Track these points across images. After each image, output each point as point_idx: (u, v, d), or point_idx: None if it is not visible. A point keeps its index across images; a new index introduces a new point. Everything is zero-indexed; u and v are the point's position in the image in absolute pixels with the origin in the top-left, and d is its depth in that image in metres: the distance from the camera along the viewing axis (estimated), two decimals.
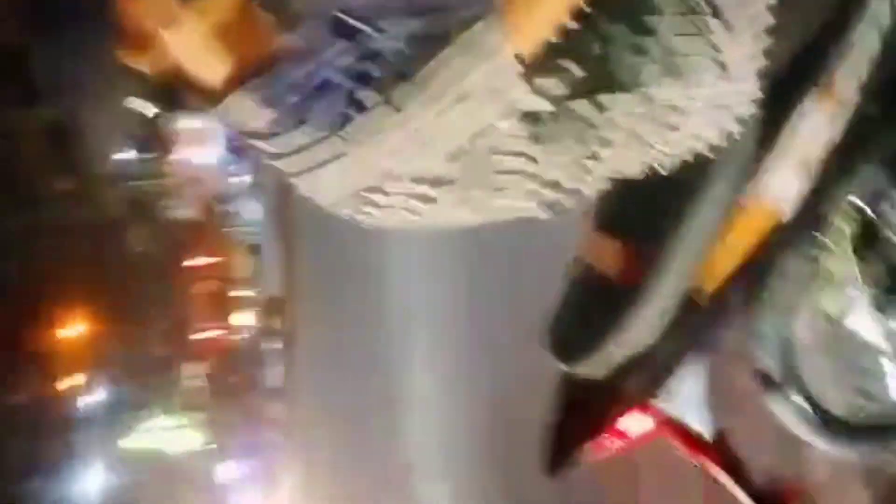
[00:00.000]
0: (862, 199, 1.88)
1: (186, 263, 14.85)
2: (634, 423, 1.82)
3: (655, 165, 1.42)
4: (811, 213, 1.71)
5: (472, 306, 5.21)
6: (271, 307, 12.50)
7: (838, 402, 2.03)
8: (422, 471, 5.97)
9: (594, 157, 1.35)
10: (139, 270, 14.59)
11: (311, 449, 10.25)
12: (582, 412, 1.81)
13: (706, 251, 1.64)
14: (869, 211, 1.87)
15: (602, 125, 1.32)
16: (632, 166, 1.42)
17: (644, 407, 1.80)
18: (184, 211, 15.49)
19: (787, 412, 1.98)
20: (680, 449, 1.95)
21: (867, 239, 1.91)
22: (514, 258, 4.39)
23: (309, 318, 10.05)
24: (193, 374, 13.95)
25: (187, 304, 14.69)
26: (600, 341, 1.67)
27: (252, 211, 14.03)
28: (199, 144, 15.45)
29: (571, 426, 1.82)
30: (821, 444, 2.02)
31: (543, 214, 1.41)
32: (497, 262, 4.62)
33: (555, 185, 1.37)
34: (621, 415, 1.78)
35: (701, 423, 1.87)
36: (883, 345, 1.92)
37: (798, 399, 1.97)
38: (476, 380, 5.03)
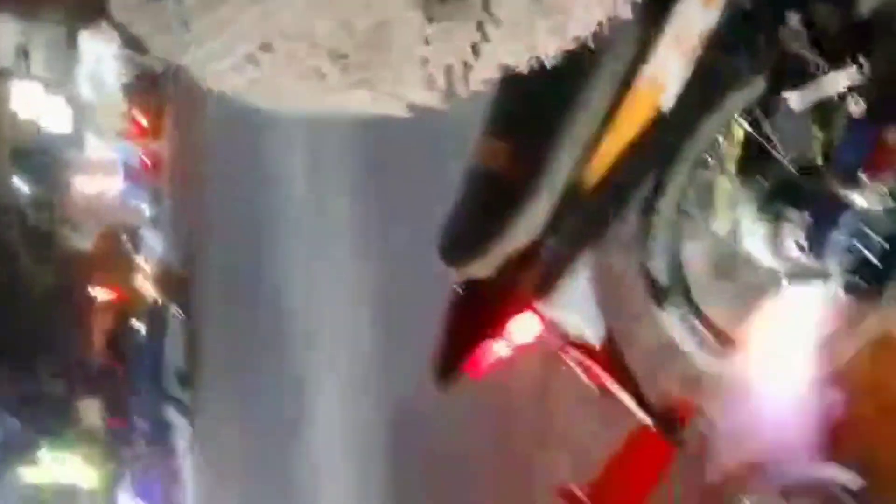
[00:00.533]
0: (748, 117, 2.02)
1: (86, 294, 14.43)
2: (523, 327, 1.91)
3: (541, 55, 1.51)
4: (692, 108, 1.84)
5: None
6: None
7: (730, 322, 2.15)
8: (326, 472, 5.94)
9: (484, 37, 1.44)
10: (36, 302, 14.16)
11: (215, 472, 10.04)
12: (471, 318, 1.89)
13: (591, 143, 1.75)
14: (754, 132, 2.01)
15: (491, 2, 1.40)
16: (518, 55, 1.50)
17: (533, 309, 1.89)
18: (82, 241, 15.11)
19: (676, 325, 2.09)
20: (567, 355, 2.04)
21: (755, 160, 2.05)
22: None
23: (212, 345, 9.93)
24: (91, 408, 13.52)
25: (86, 336, 14.27)
26: (487, 240, 1.76)
27: (153, 241, 13.79)
28: (99, 174, 15.15)
29: (460, 333, 1.89)
30: (708, 361, 2.12)
31: (438, 103, 1.49)
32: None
33: (448, 71, 1.45)
34: (510, 318, 1.87)
35: (590, 328, 1.98)
36: (776, 265, 2.06)
37: (687, 314, 2.08)
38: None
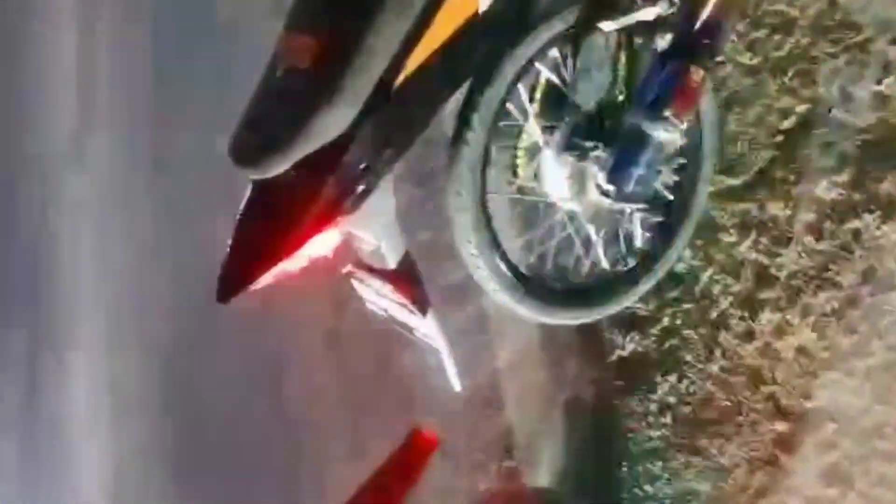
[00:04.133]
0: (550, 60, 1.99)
1: None
2: (321, 242, 1.79)
3: None
4: (506, 13, 1.78)
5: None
6: None
7: (533, 268, 2.12)
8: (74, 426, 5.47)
9: None
10: None
11: None
12: (264, 234, 1.73)
13: (405, 40, 1.66)
14: (555, 76, 1.99)
15: None
16: None
17: (332, 224, 1.78)
18: None
19: (480, 267, 2.03)
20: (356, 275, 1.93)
21: (556, 104, 2.01)
22: None
23: None
24: None
25: None
26: (287, 138, 1.63)
27: None
28: None
29: (251, 250, 1.72)
30: (511, 305, 2.08)
31: None
32: None
33: None
34: (308, 236, 1.75)
35: (389, 247, 1.89)
36: (578, 209, 2.04)
37: (493, 258, 2.02)
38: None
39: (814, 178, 2.07)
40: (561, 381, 2.53)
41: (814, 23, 2.11)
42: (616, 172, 1.91)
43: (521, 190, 2.10)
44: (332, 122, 1.65)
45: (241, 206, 1.77)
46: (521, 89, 1.96)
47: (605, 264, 2.13)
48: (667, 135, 1.87)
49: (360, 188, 1.75)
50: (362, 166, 1.73)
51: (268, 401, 3.69)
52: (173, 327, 4.18)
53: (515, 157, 2.05)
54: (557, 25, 1.89)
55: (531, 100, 1.99)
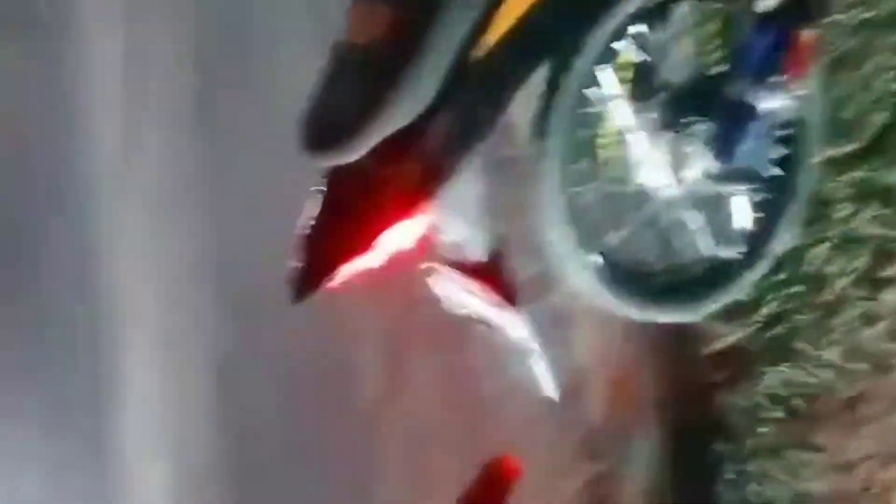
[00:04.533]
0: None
1: None
2: (401, 234, 1.62)
3: None
4: None
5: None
6: None
7: (631, 262, 1.93)
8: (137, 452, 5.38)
9: None
10: None
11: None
12: (339, 226, 1.58)
13: (481, 5, 1.48)
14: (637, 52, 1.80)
15: None
16: None
17: (414, 213, 1.60)
18: None
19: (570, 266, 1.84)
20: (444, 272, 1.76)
21: (646, 82, 1.83)
22: None
23: None
24: None
25: None
26: (361, 120, 1.45)
27: None
28: None
29: (326, 244, 1.56)
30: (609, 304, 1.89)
31: None
32: None
33: None
34: (387, 226, 1.58)
35: (476, 238, 1.71)
36: (676, 194, 1.82)
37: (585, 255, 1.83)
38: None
39: None
40: (651, 378, 2.34)
41: None
42: (723, 148, 1.72)
43: (610, 179, 1.91)
44: (411, 100, 1.47)
45: (312, 201, 1.62)
46: (605, 70, 1.79)
47: (710, 252, 1.91)
48: (779, 103, 1.67)
49: (444, 173, 1.58)
50: (445, 148, 1.56)
51: (327, 417, 3.53)
52: (224, 341, 4.05)
53: (599, 145, 1.87)
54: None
55: (619, 81, 1.82)
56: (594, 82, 1.74)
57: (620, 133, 1.82)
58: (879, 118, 1.95)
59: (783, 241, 1.94)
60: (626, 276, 1.84)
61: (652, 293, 1.89)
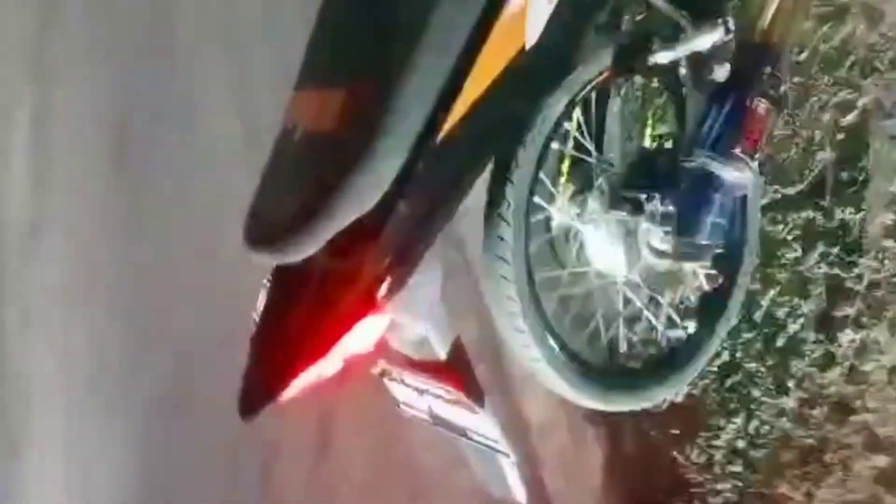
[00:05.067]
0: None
1: None
2: (361, 335, 1.41)
3: None
4: (557, 47, 1.45)
5: None
6: None
7: (594, 349, 1.78)
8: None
9: None
10: None
11: None
12: (292, 329, 1.37)
13: (440, 84, 1.31)
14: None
15: None
16: None
17: (375, 310, 1.40)
18: None
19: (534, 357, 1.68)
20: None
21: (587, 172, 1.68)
22: None
23: None
24: None
25: None
26: (316, 212, 1.27)
27: None
28: None
29: (277, 352, 1.36)
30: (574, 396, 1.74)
31: None
32: None
33: None
34: (347, 328, 1.37)
35: (437, 334, 1.52)
36: (633, 278, 1.70)
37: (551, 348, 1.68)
38: None
39: (887, 174, 1.81)
40: (604, 439, 2.21)
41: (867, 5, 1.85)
42: (678, 224, 1.60)
43: (566, 270, 1.74)
44: (367, 189, 1.29)
45: (261, 302, 1.39)
46: (549, 164, 1.64)
47: (671, 333, 1.79)
48: (738, 174, 1.58)
49: (402, 266, 1.39)
50: (403, 238, 1.37)
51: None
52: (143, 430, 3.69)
53: (552, 237, 1.72)
54: (593, 69, 1.58)
55: (558, 174, 1.69)
56: (540, 177, 1.61)
57: (572, 223, 1.71)
58: (822, 157, 1.90)
59: (738, 305, 1.86)
60: (583, 365, 1.70)
61: (610, 383, 1.75)
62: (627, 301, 1.73)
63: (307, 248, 1.29)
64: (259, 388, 1.34)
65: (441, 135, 1.32)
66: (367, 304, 1.35)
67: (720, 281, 1.76)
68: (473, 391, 1.56)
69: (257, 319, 1.36)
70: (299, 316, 1.33)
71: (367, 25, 1.31)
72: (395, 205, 1.32)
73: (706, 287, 1.74)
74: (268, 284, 1.37)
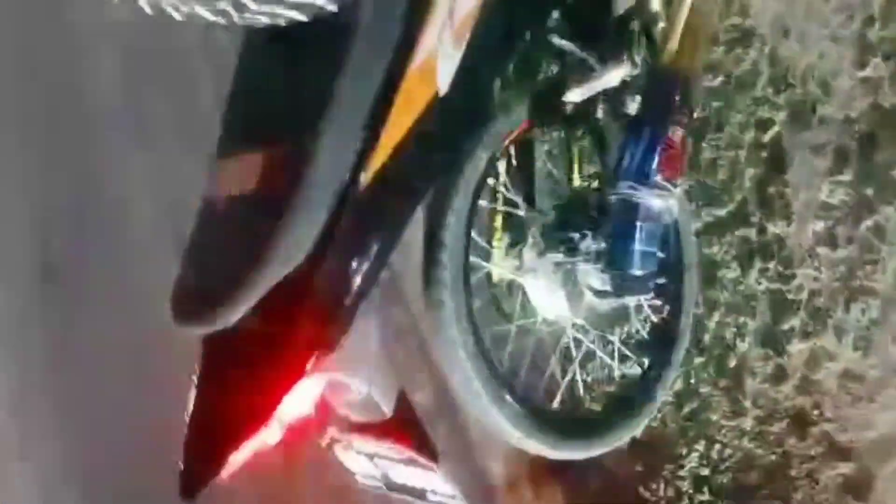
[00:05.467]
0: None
1: None
2: (299, 398, 1.37)
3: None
4: (469, 94, 1.46)
5: None
6: None
7: (546, 397, 1.75)
8: None
9: None
10: None
11: None
12: (227, 396, 1.33)
13: (357, 136, 1.30)
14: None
15: None
16: None
17: (309, 370, 1.36)
18: None
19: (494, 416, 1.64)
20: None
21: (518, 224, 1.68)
22: None
23: None
24: None
25: None
26: (242, 275, 1.25)
27: None
28: None
29: (216, 421, 1.33)
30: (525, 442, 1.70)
31: None
32: None
33: None
34: (281, 389, 1.32)
35: (380, 387, 1.48)
36: (577, 321, 1.68)
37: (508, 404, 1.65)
38: None
39: (814, 183, 1.84)
40: (569, 483, 2.17)
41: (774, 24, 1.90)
42: (614, 257, 1.60)
43: (510, 321, 1.71)
44: (293, 245, 1.27)
45: (195, 377, 1.35)
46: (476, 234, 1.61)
47: (625, 370, 1.77)
48: (661, 201, 1.59)
49: (337, 322, 1.36)
50: (333, 295, 1.34)
51: None
52: None
53: (493, 290, 1.71)
54: (513, 121, 1.59)
55: (493, 230, 1.68)
56: (473, 236, 1.59)
57: (512, 276, 1.68)
58: (750, 174, 1.91)
59: (688, 327, 1.84)
60: (545, 416, 1.67)
61: (574, 430, 1.72)
62: (579, 344, 1.71)
63: (234, 314, 1.26)
64: (199, 466, 1.30)
65: (363, 185, 1.31)
66: (301, 367, 1.32)
67: (666, 310, 1.77)
68: (425, 446, 1.52)
69: (189, 401, 1.32)
70: (232, 387, 1.30)
71: (278, 87, 1.31)
72: (321, 262, 1.31)
73: (653, 318, 1.75)
74: (195, 379, 1.33)
